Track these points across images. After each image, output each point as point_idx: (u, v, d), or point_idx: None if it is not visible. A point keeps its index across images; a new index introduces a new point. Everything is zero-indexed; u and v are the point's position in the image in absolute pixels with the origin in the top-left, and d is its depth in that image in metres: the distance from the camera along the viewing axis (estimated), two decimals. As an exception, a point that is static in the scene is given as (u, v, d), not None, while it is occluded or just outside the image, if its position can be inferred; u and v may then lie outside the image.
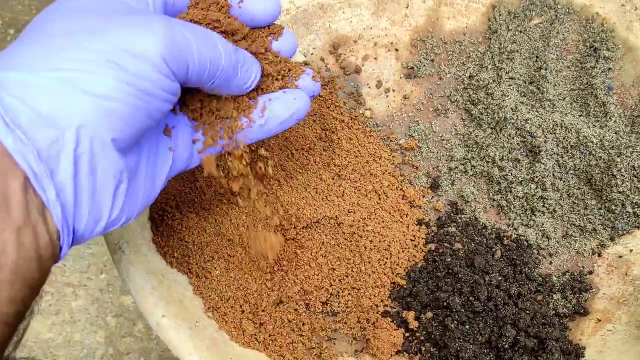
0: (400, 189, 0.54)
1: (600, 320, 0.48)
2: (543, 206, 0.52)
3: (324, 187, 0.52)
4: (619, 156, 0.50)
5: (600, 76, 0.53)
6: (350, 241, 0.50)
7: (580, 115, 0.53)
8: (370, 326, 0.48)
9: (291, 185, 0.51)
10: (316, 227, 0.50)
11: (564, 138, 0.51)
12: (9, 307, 0.26)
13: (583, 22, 0.55)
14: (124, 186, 0.30)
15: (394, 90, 0.57)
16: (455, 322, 0.46)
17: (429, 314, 0.48)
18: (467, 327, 0.46)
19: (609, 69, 0.54)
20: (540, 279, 0.50)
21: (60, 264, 0.71)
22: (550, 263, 0.52)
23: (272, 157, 0.51)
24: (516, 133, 0.52)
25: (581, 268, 0.51)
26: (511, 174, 0.52)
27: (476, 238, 0.51)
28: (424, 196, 0.54)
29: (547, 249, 0.52)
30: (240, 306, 0.46)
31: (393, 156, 0.55)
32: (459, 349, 0.45)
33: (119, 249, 0.42)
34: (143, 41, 0.28)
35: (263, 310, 0.47)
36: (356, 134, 0.54)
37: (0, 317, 0.26)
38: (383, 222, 0.51)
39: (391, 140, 0.56)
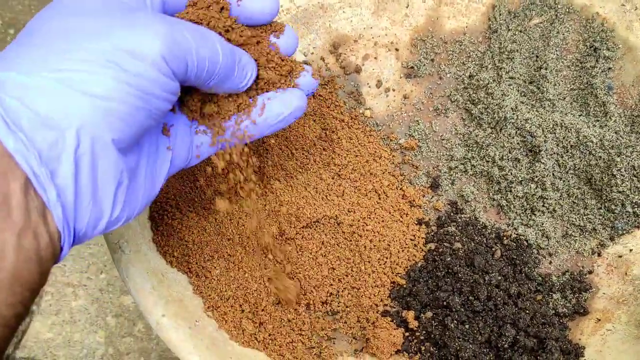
0: (400, 189, 0.54)
1: (599, 320, 0.48)
2: (543, 206, 0.52)
3: (324, 186, 0.52)
4: (618, 156, 0.50)
5: (600, 76, 0.53)
6: (350, 241, 0.50)
7: (580, 115, 0.53)
8: (370, 326, 0.48)
9: (291, 185, 0.51)
10: (316, 226, 0.50)
11: (564, 138, 0.51)
12: (9, 309, 0.26)
13: (583, 21, 0.55)
14: (124, 186, 0.30)
15: (394, 90, 0.57)
16: (455, 321, 0.46)
17: (429, 314, 0.48)
18: (467, 326, 0.46)
19: (609, 68, 0.54)
20: (540, 278, 0.50)
21: (60, 263, 0.71)
22: (550, 263, 0.52)
23: (272, 156, 0.51)
24: (516, 133, 0.52)
25: (581, 268, 0.51)
26: (511, 173, 0.52)
27: (476, 238, 0.51)
28: (424, 196, 0.54)
29: (547, 248, 0.52)
30: (240, 305, 0.46)
31: (393, 156, 0.55)
32: (458, 348, 0.45)
33: (119, 248, 0.42)
34: (143, 41, 0.28)
35: (263, 310, 0.47)
36: (356, 134, 0.54)
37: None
38: (383, 221, 0.51)
39: (391, 140, 0.56)
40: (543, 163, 0.51)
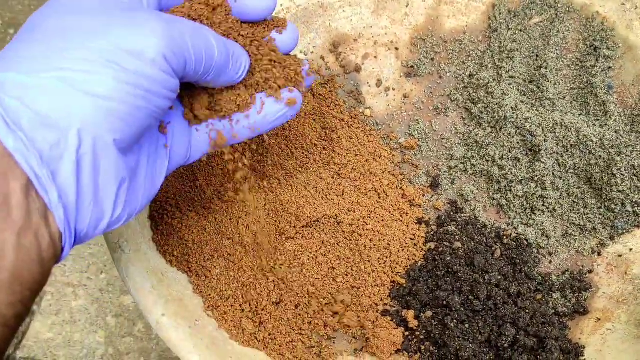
0: (400, 188, 0.54)
1: (599, 320, 0.48)
2: (543, 205, 0.52)
3: (323, 186, 0.52)
4: (618, 155, 0.50)
5: (601, 75, 0.53)
6: (350, 240, 0.50)
7: (580, 114, 0.53)
8: (370, 325, 0.48)
9: (291, 184, 0.51)
10: (316, 226, 0.50)
11: (564, 137, 0.51)
12: (9, 309, 0.26)
13: (583, 21, 0.55)
14: (125, 186, 0.30)
15: (394, 89, 0.57)
16: (455, 321, 0.46)
17: (429, 313, 0.48)
18: (467, 326, 0.46)
19: (609, 67, 0.54)
20: (540, 278, 0.50)
21: (60, 263, 0.70)
22: (550, 262, 0.52)
23: (272, 156, 0.51)
24: (516, 132, 0.52)
25: (581, 267, 0.51)
26: (511, 173, 0.52)
27: (476, 237, 0.51)
28: (423, 195, 0.54)
29: (547, 248, 0.52)
30: (240, 305, 0.46)
31: (393, 155, 0.55)
32: (458, 348, 0.45)
33: (118, 247, 0.42)
34: (142, 40, 0.28)
35: (263, 309, 0.47)
36: (356, 133, 0.54)
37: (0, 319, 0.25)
38: (383, 221, 0.51)
39: (391, 139, 0.56)
40: (543, 162, 0.51)
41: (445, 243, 0.51)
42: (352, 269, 0.50)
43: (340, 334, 0.49)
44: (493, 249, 0.51)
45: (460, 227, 0.52)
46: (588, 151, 0.51)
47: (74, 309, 0.70)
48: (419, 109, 0.57)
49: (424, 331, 0.48)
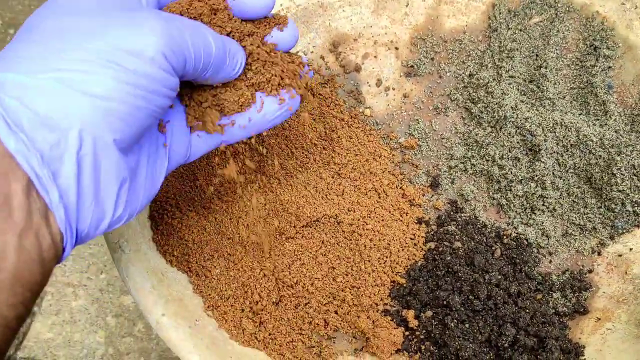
0: (400, 188, 0.54)
1: (599, 319, 0.48)
2: (543, 205, 0.52)
3: (323, 185, 0.52)
4: (618, 155, 0.50)
5: (600, 75, 0.53)
6: (350, 240, 0.50)
7: (580, 114, 0.53)
8: (370, 325, 0.48)
9: (291, 184, 0.51)
10: (316, 225, 0.50)
11: (564, 137, 0.51)
12: (10, 309, 0.26)
13: (583, 20, 0.55)
14: (126, 186, 0.30)
15: (394, 89, 0.57)
16: (455, 320, 0.46)
17: (429, 313, 0.48)
18: (467, 325, 0.46)
19: (609, 67, 0.54)
20: (540, 277, 0.50)
21: (60, 263, 0.71)
22: (550, 262, 0.52)
23: (272, 156, 0.51)
24: (516, 132, 0.52)
25: (581, 267, 0.51)
26: (511, 172, 0.52)
27: (476, 237, 0.51)
28: (423, 195, 0.54)
29: (547, 247, 0.52)
30: (240, 305, 0.46)
31: (393, 155, 0.55)
32: (458, 347, 0.45)
33: (118, 247, 0.42)
34: (141, 39, 0.28)
35: (263, 309, 0.47)
36: (356, 133, 0.54)
37: (0, 320, 0.25)
38: (383, 220, 0.51)
39: (391, 139, 0.56)
40: (543, 162, 0.51)
41: (445, 243, 0.51)
42: (352, 269, 0.50)
43: (340, 333, 0.49)
44: (493, 248, 0.51)
45: (460, 226, 0.52)
46: (588, 151, 0.51)
47: (74, 309, 0.70)
48: (418, 109, 0.57)
49: (424, 331, 0.48)
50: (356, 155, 0.54)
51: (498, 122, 0.53)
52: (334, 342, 0.49)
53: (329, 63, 0.57)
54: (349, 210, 0.51)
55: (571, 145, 0.51)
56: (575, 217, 0.52)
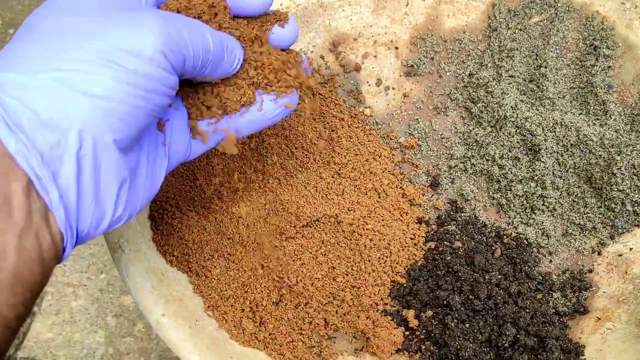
0: (400, 187, 0.54)
1: (600, 319, 0.48)
2: (543, 204, 0.52)
3: (323, 185, 0.52)
4: (619, 154, 0.50)
5: (600, 74, 0.53)
6: (350, 240, 0.50)
7: (580, 114, 0.53)
8: (370, 324, 0.48)
9: (291, 184, 0.51)
10: (316, 225, 0.50)
11: (564, 136, 0.51)
12: (10, 310, 0.26)
13: (583, 20, 0.55)
14: (126, 185, 0.30)
15: (393, 89, 0.57)
16: (455, 320, 0.46)
17: (429, 313, 0.48)
18: (467, 325, 0.46)
19: (609, 67, 0.54)
20: (540, 277, 0.50)
21: (60, 263, 0.71)
22: (550, 261, 0.52)
23: (272, 155, 0.51)
24: (516, 131, 0.52)
25: (581, 266, 0.51)
26: (511, 172, 0.52)
27: (476, 236, 0.51)
28: (423, 194, 0.54)
29: (547, 247, 0.52)
30: (240, 305, 0.46)
31: (393, 154, 0.55)
32: (459, 347, 0.45)
33: (118, 247, 0.42)
34: (140, 38, 0.28)
35: (263, 309, 0.47)
36: (356, 132, 0.54)
37: (0, 320, 0.25)
38: (383, 220, 0.51)
39: (391, 139, 0.56)
40: (543, 162, 0.51)
41: (445, 242, 0.51)
42: (352, 269, 0.50)
43: (340, 333, 0.49)
44: (493, 248, 0.51)
45: (460, 226, 0.52)
46: (588, 150, 0.51)
47: (74, 309, 0.70)
48: (418, 108, 0.57)
49: (424, 331, 0.48)
50: (356, 155, 0.54)
51: (498, 122, 0.53)
52: (334, 342, 0.49)
53: (329, 63, 0.57)
54: (349, 210, 0.51)
55: (571, 144, 0.51)
56: (575, 217, 0.52)
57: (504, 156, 0.53)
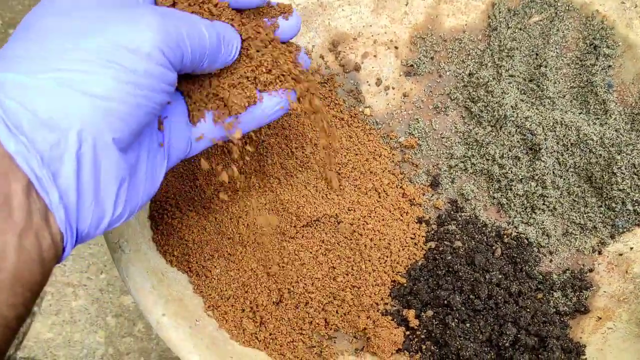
0: (400, 187, 0.53)
1: (600, 318, 0.48)
2: (543, 204, 0.52)
3: (323, 185, 0.51)
4: (619, 154, 0.50)
5: (600, 74, 0.53)
6: (351, 239, 0.50)
7: (580, 113, 0.53)
8: (370, 324, 0.48)
9: (291, 184, 0.51)
10: (316, 225, 0.50)
11: (564, 136, 0.51)
12: (10, 310, 0.26)
13: (583, 19, 0.55)
14: (126, 184, 0.30)
15: (393, 88, 0.57)
16: (456, 320, 0.46)
17: (430, 312, 0.48)
18: (468, 325, 0.46)
19: (609, 66, 0.54)
20: (540, 277, 0.50)
21: (60, 263, 0.70)
22: (551, 261, 0.52)
23: (272, 155, 0.51)
24: (516, 131, 0.52)
25: (581, 266, 0.51)
26: (511, 171, 0.52)
27: (476, 236, 0.51)
28: (424, 194, 0.54)
29: (548, 246, 0.52)
30: (241, 305, 0.46)
31: (393, 154, 0.55)
32: (459, 347, 0.45)
33: (118, 247, 0.42)
34: (138, 36, 0.28)
35: (263, 309, 0.47)
36: (356, 132, 0.54)
37: (0, 320, 0.25)
38: (383, 220, 0.51)
39: (391, 138, 0.56)
40: (543, 161, 0.51)
41: (445, 242, 0.51)
42: (352, 269, 0.49)
43: (340, 333, 0.49)
44: (493, 248, 0.51)
45: (460, 226, 0.52)
46: (588, 150, 0.51)
47: (74, 309, 0.70)
48: (418, 108, 0.57)
49: (424, 330, 0.48)
50: (356, 154, 0.53)
51: (498, 121, 0.53)
52: (334, 342, 0.49)
53: (329, 62, 0.57)
54: (349, 210, 0.51)
55: (571, 144, 0.51)
56: (575, 216, 0.52)
57: (504, 155, 0.53)
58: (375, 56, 0.57)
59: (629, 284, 0.49)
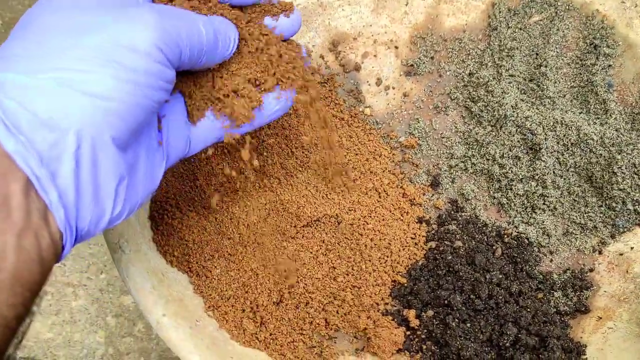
0: (401, 187, 0.53)
1: (601, 318, 0.48)
2: (543, 204, 0.52)
3: (324, 185, 0.51)
4: (619, 153, 0.49)
5: (601, 73, 0.53)
6: (351, 239, 0.50)
7: (580, 113, 0.53)
8: (371, 324, 0.48)
9: (291, 184, 0.51)
10: (316, 225, 0.50)
11: (564, 135, 0.51)
12: (10, 310, 0.26)
13: (583, 19, 0.55)
14: (125, 182, 0.30)
15: (393, 88, 0.57)
16: (457, 320, 0.46)
17: (430, 312, 0.48)
18: (468, 325, 0.46)
19: (609, 66, 0.54)
20: (541, 276, 0.50)
21: (60, 263, 0.70)
22: (551, 261, 0.52)
23: (272, 155, 0.51)
24: (516, 130, 0.52)
25: (582, 266, 0.51)
26: (511, 171, 0.52)
27: (477, 236, 0.51)
28: (424, 194, 0.54)
29: (548, 246, 0.52)
30: (241, 305, 0.46)
31: (393, 154, 0.55)
32: (460, 347, 0.45)
33: (119, 248, 0.42)
34: (136, 34, 0.28)
35: (264, 309, 0.46)
36: (356, 132, 0.54)
37: (0, 320, 0.25)
38: (383, 220, 0.51)
39: (391, 138, 0.55)
40: (543, 161, 0.51)
41: (446, 242, 0.51)
42: (352, 269, 0.49)
43: (341, 333, 0.49)
44: (494, 247, 0.51)
45: (461, 226, 0.52)
46: (589, 149, 0.51)
47: (74, 309, 0.70)
48: (419, 108, 0.57)
49: (425, 330, 0.48)
50: (356, 154, 0.53)
51: (498, 121, 0.53)
52: (335, 342, 0.48)
53: (329, 62, 0.57)
54: (349, 210, 0.51)
55: (572, 144, 0.51)
56: (576, 216, 0.52)
57: (505, 155, 0.53)
58: (375, 56, 0.57)
59: (630, 283, 0.49)
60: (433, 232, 0.52)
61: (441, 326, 0.47)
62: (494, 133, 0.53)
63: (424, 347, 0.47)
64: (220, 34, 0.34)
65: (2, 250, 0.25)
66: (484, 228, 0.52)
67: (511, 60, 0.55)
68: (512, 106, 0.52)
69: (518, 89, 0.55)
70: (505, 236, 0.52)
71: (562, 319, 0.48)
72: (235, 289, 0.46)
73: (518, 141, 0.52)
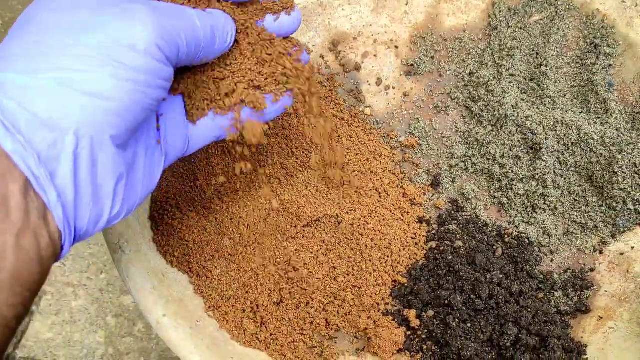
0: (401, 187, 0.53)
1: (601, 318, 0.48)
2: (544, 203, 0.52)
3: (324, 185, 0.51)
4: (620, 153, 0.49)
5: (601, 73, 0.53)
6: (351, 239, 0.50)
7: (581, 112, 0.53)
8: (371, 324, 0.48)
9: (291, 184, 0.51)
10: (317, 225, 0.50)
11: (564, 135, 0.51)
12: (9, 309, 0.26)
13: (583, 18, 0.55)
14: (123, 181, 0.30)
15: (394, 88, 0.57)
16: (457, 320, 0.46)
17: (431, 312, 0.48)
18: (469, 325, 0.46)
19: (610, 65, 0.54)
20: (541, 276, 0.50)
21: (60, 263, 0.70)
22: (552, 260, 0.52)
23: (273, 155, 0.51)
24: (517, 130, 0.52)
25: (582, 265, 0.51)
26: (512, 171, 0.52)
27: (477, 236, 0.51)
28: (424, 194, 0.54)
29: (549, 246, 0.52)
30: (241, 305, 0.46)
31: (393, 154, 0.55)
32: (460, 347, 0.45)
33: (119, 248, 0.42)
34: (134, 32, 0.28)
35: (264, 310, 0.46)
36: (356, 132, 0.54)
37: (0, 320, 0.25)
38: (384, 220, 0.51)
39: (391, 138, 0.55)
40: (544, 160, 0.51)
41: (446, 242, 0.51)
42: (353, 269, 0.49)
43: (341, 334, 0.49)
44: (494, 247, 0.51)
45: (461, 226, 0.52)
46: (589, 149, 0.51)
47: (74, 309, 0.70)
48: (419, 108, 0.57)
49: (425, 330, 0.48)
50: (356, 154, 0.53)
51: (499, 121, 0.53)
52: (335, 342, 0.48)
53: (329, 62, 0.57)
54: (349, 210, 0.51)
55: (572, 143, 0.51)
56: (576, 216, 0.52)
57: (505, 155, 0.52)
58: (375, 56, 0.57)
59: (630, 283, 0.49)
60: (433, 232, 0.52)
61: (442, 326, 0.47)
62: (494, 133, 0.53)
63: (425, 347, 0.47)
64: (217, 29, 0.34)
65: (2, 250, 0.25)
66: (485, 228, 0.52)
67: (511, 59, 0.55)
68: (512, 106, 0.52)
69: (518, 88, 0.55)
70: (506, 236, 0.52)
71: (563, 318, 0.48)
72: (235, 289, 0.46)
73: (518, 141, 0.52)
